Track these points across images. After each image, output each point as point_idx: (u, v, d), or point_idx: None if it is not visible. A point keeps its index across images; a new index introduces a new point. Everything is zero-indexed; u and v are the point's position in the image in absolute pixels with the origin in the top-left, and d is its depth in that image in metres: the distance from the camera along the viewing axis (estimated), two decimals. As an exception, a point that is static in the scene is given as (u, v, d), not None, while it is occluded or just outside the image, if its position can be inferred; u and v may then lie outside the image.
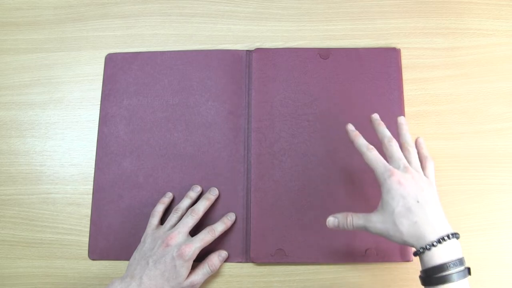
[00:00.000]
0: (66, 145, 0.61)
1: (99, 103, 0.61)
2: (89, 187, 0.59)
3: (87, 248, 0.57)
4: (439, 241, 0.42)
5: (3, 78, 0.64)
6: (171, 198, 0.57)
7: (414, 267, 0.55)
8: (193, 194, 0.57)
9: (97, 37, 0.64)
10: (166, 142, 0.59)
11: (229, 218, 0.56)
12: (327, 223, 0.49)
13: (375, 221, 0.46)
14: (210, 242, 0.53)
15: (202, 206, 0.55)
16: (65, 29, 0.65)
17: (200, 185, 0.57)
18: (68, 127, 0.62)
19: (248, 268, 0.56)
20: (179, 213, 0.55)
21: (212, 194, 0.56)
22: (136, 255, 0.52)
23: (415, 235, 0.43)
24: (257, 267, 0.56)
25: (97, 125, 0.60)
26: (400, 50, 0.61)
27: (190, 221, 0.53)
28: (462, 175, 0.57)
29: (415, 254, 0.44)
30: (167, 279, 0.50)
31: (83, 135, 0.61)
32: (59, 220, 0.58)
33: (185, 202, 0.56)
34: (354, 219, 0.47)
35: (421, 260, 0.44)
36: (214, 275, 0.56)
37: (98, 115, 0.61)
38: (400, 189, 0.45)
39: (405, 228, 0.44)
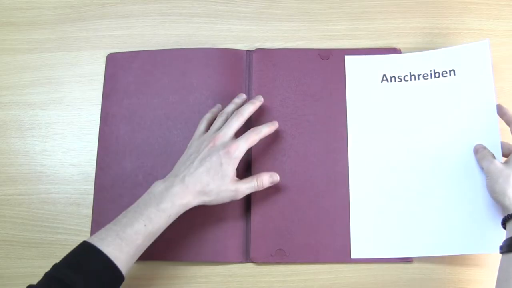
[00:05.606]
0: (66, 145, 0.61)
1: (99, 103, 0.61)
2: (89, 187, 0.59)
3: (87, 248, 0.57)
4: None
5: (3, 78, 0.64)
6: (220, 108, 0.58)
7: (414, 267, 0.55)
8: (238, 100, 0.57)
9: (97, 37, 0.64)
10: (166, 140, 0.59)
11: (274, 124, 0.55)
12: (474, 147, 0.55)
13: (497, 167, 0.50)
14: (256, 142, 0.53)
15: (247, 109, 0.54)
16: (65, 29, 0.65)
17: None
18: (68, 127, 0.62)
19: (248, 268, 0.56)
20: (224, 116, 0.55)
21: (257, 100, 0.56)
22: (181, 159, 0.53)
23: None
24: (257, 267, 0.56)
25: (97, 125, 0.60)
26: (400, 50, 0.61)
27: (236, 122, 0.53)
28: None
29: (510, 216, 0.48)
30: (212, 176, 0.50)
31: (83, 135, 0.61)
32: (59, 220, 0.58)
33: (230, 107, 0.56)
34: (485, 157, 0.52)
35: None
36: (214, 275, 0.56)
37: (98, 115, 0.61)
38: None
39: None
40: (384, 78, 0.59)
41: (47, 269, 0.44)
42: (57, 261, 0.45)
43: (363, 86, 0.59)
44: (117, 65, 0.62)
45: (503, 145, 0.54)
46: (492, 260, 0.55)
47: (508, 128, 0.53)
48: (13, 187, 0.60)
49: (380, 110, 0.58)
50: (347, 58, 0.60)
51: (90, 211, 0.58)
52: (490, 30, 0.62)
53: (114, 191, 0.58)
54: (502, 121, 0.54)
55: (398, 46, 0.62)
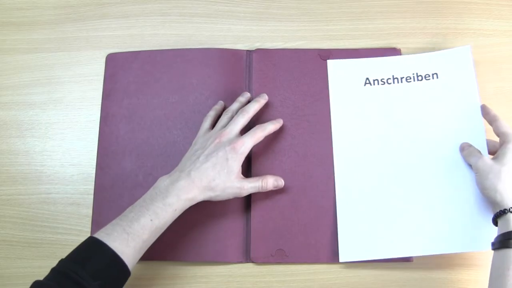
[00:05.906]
0: (66, 145, 0.61)
1: (99, 103, 0.61)
2: (89, 187, 0.59)
3: (87, 248, 0.57)
4: None
5: (3, 78, 0.64)
6: (223, 106, 0.58)
7: (414, 267, 0.55)
8: (242, 98, 0.58)
9: (97, 37, 0.64)
10: (165, 140, 0.59)
11: (278, 121, 0.56)
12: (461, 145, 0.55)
13: (487, 162, 0.50)
14: (261, 139, 0.53)
15: (252, 107, 0.55)
16: (65, 29, 0.65)
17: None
18: (68, 127, 0.62)
19: (248, 268, 0.56)
20: (230, 114, 0.55)
21: (262, 98, 0.57)
22: (186, 155, 0.53)
23: (509, 194, 0.47)
24: (257, 267, 0.56)
25: (97, 125, 0.60)
26: (400, 50, 0.61)
27: (241, 119, 0.53)
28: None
29: (501, 212, 0.47)
30: (218, 172, 0.50)
31: (83, 135, 0.61)
32: (59, 220, 0.58)
33: (235, 106, 0.56)
34: (472, 154, 0.52)
35: (506, 220, 0.47)
36: (214, 275, 0.56)
37: (98, 115, 0.61)
38: None
39: (506, 183, 0.48)
40: (367, 81, 0.59)
41: (47, 269, 0.44)
42: (57, 261, 0.45)
43: (346, 89, 0.59)
44: (117, 65, 0.62)
45: (489, 143, 0.54)
46: (491, 259, 0.55)
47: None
48: (13, 187, 0.60)
49: (364, 113, 0.58)
50: (329, 62, 0.60)
51: (90, 211, 0.58)
52: (490, 30, 0.62)
53: (114, 191, 0.58)
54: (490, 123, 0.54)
55: (398, 46, 0.62)
